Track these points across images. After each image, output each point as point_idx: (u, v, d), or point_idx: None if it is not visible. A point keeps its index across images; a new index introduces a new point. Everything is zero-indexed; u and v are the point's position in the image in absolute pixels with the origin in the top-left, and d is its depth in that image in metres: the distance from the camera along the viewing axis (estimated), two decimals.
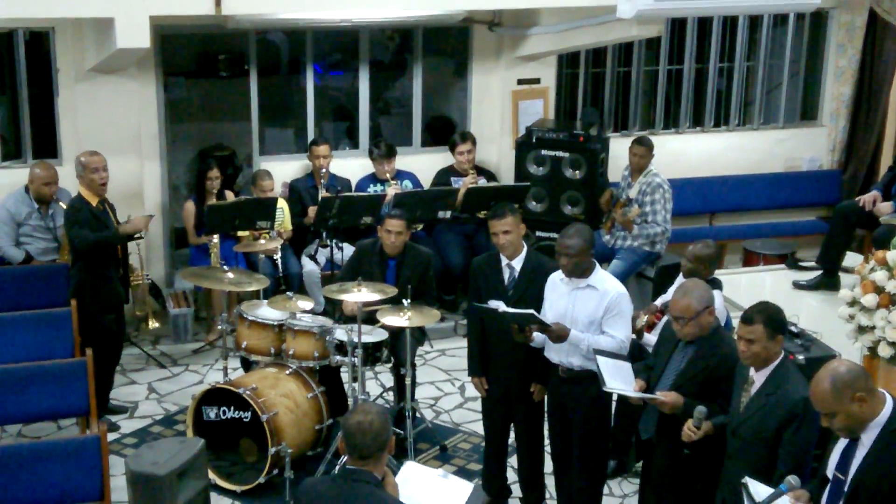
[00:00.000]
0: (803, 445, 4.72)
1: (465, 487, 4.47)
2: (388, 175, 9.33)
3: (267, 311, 7.21)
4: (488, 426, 6.61)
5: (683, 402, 5.17)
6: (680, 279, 6.47)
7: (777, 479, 4.60)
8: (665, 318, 6.16)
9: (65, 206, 8.13)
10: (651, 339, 6.25)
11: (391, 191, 9.11)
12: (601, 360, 5.51)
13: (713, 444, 5.10)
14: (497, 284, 6.24)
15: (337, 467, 6.71)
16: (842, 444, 4.27)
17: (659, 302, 6.75)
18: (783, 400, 4.73)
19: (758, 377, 4.86)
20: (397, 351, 7.13)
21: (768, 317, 4.79)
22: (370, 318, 6.88)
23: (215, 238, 8.71)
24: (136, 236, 7.96)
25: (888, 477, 4.08)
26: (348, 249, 8.61)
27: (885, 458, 4.10)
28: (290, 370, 7.04)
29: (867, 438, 4.15)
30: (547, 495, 6.63)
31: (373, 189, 9.35)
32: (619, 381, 5.45)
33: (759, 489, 4.36)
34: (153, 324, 8.57)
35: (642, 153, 8.59)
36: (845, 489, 4.19)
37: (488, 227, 6.25)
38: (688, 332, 5.26)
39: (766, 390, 4.81)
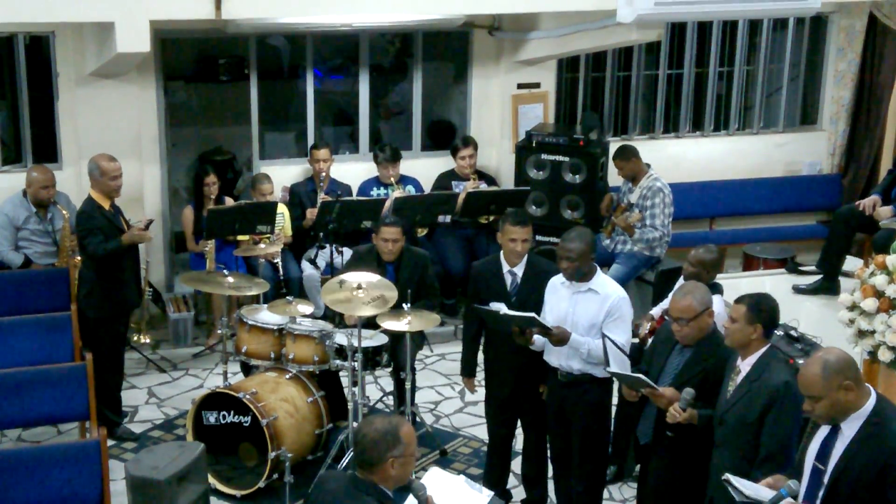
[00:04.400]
0: (785, 429, 4.80)
1: (484, 497, 4.47)
2: (392, 179, 9.34)
3: (267, 316, 7.21)
4: (492, 429, 6.61)
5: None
6: (681, 283, 6.46)
7: (758, 462, 4.71)
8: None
9: (63, 210, 8.14)
10: None
11: (395, 195, 9.12)
12: (609, 344, 5.57)
13: (710, 448, 5.11)
14: (500, 290, 6.24)
15: (342, 463, 6.72)
16: (821, 434, 4.31)
17: (656, 311, 6.74)
18: (765, 385, 4.84)
19: (743, 366, 4.97)
20: (397, 355, 7.12)
21: (755, 302, 4.96)
22: (371, 323, 6.89)
23: (209, 245, 8.70)
24: None
25: (869, 468, 4.13)
26: (348, 254, 8.62)
27: (866, 449, 4.15)
28: (290, 374, 7.04)
29: (848, 430, 4.21)
30: (548, 498, 6.63)
31: (376, 192, 9.36)
32: (620, 368, 5.53)
33: (743, 483, 4.39)
34: (143, 339, 8.58)
35: (618, 165, 8.65)
36: (825, 479, 4.24)
37: (503, 231, 6.20)
38: (687, 334, 5.27)
39: (751, 377, 4.92)
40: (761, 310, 4.94)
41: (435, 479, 4.47)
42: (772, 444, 4.79)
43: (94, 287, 7.33)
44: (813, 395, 4.19)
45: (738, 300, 5.03)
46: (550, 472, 6.42)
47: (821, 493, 4.24)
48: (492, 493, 4.55)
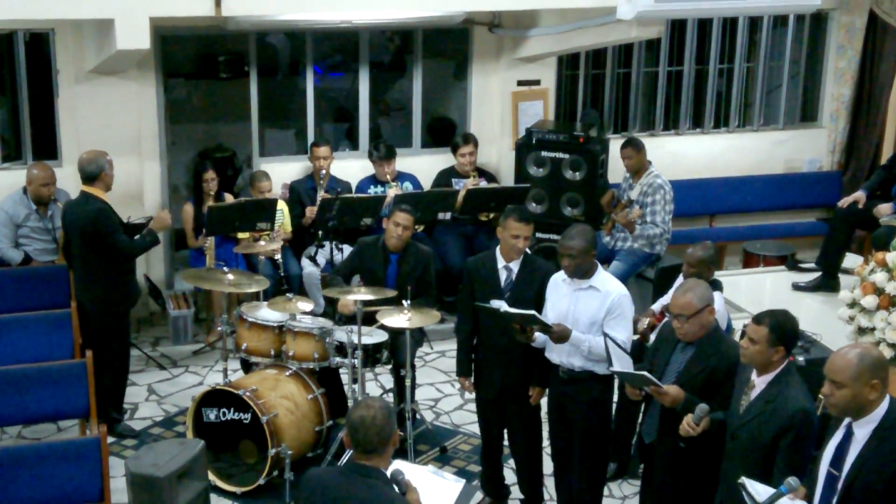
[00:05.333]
0: (803, 457, 4.71)
1: (456, 484, 4.47)
2: (388, 177, 9.33)
3: (267, 313, 7.21)
4: (483, 428, 6.61)
5: (685, 396, 5.17)
6: (680, 280, 6.45)
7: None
8: (664, 320, 6.15)
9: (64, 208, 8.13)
10: None
11: (391, 192, 9.11)
12: (611, 344, 5.56)
13: (715, 449, 5.10)
14: (493, 286, 6.22)
15: (342, 460, 6.73)
16: (835, 440, 4.28)
17: (656, 306, 6.74)
18: (782, 408, 4.72)
19: (759, 382, 4.85)
20: (397, 352, 7.13)
21: (776, 323, 4.78)
22: (370, 318, 6.89)
23: (209, 241, 8.70)
24: (135, 237, 7.98)
25: (882, 473, 4.10)
26: (348, 251, 8.62)
27: (879, 454, 4.12)
28: (290, 371, 7.04)
29: (861, 434, 4.18)
30: (546, 496, 6.63)
31: (373, 190, 9.35)
32: (623, 367, 5.51)
33: (757, 488, 4.36)
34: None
35: (628, 154, 8.61)
36: (839, 485, 4.21)
37: (505, 226, 6.14)
38: (687, 331, 5.25)
39: (766, 396, 4.79)
40: (784, 332, 4.78)
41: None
42: (788, 471, 4.62)
43: (116, 284, 7.33)
44: (837, 381, 4.13)
45: (758, 320, 4.82)
46: (551, 470, 6.42)
47: (835, 500, 4.21)
48: (463, 480, 4.54)
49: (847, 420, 4.24)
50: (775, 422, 4.71)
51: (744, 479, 4.40)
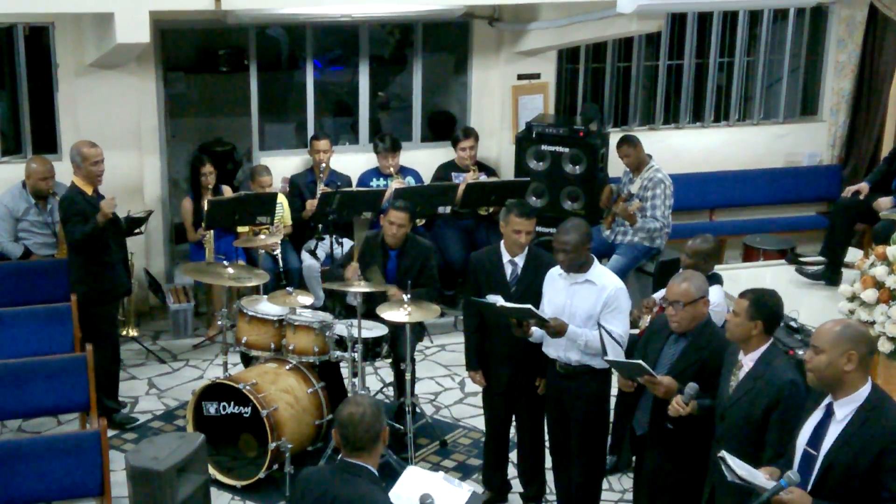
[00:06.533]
0: (792, 428, 4.75)
1: (465, 492, 4.48)
2: (391, 169, 9.33)
3: (267, 307, 7.21)
4: (489, 420, 6.61)
5: (677, 387, 5.18)
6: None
7: (766, 462, 4.66)
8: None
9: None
10: None
11: (395, 185, 9.11)
12: (605, 334, 5.57)
13: (704, 435, 5.11)
14: (500, 280, 6.23)
15: (341, 454, 6.73)
16: (813, 420, 4.32)
17: (657, 295, 6.74)
18: (770, 383, 4.81)
19: (746, 360, 4.94)
20: (397, 346, 7.13)
21: (757, 298, 4.92)
22: (370, 312, 6.89)
23: (208, 234, 8.70)
24: (135, 231, 7.99)
25: (862, 455, 4.14)
26: (348, 245, 8.63)
27: (859, 436, 4.16)
28: (290, 365, 7.04)
29: (841, 414, 4.22)
30: (546, 490, 6.64)
31: (376, 183, 9.35)
32: (617, 357, 5.54)
33: (737, 462, 4.39)
34: (131, 332, 8.59)
35: (625, 152, 8.61)
36: (817, 464, 4.24)
37: (507, 221, 6.15)
38: (681, 319, 5.27)
39: (755, 373, 4.88)
40: (763, 307, 4.89)
41: (413, 478, 4.47)
42: (779, 443, 4.74)
43: (84, 272, 7.37)
44: (817, 346, 4.21)
45: (742, 294, 4.98)
46: (549, 464, 6.43)
47: (812, 479, 4.24)
48: (471, 489, 4.57)
49: (827, 400, 4.28)
50: (766, 396, 4.79)
51: (724, 454, 4.43)
